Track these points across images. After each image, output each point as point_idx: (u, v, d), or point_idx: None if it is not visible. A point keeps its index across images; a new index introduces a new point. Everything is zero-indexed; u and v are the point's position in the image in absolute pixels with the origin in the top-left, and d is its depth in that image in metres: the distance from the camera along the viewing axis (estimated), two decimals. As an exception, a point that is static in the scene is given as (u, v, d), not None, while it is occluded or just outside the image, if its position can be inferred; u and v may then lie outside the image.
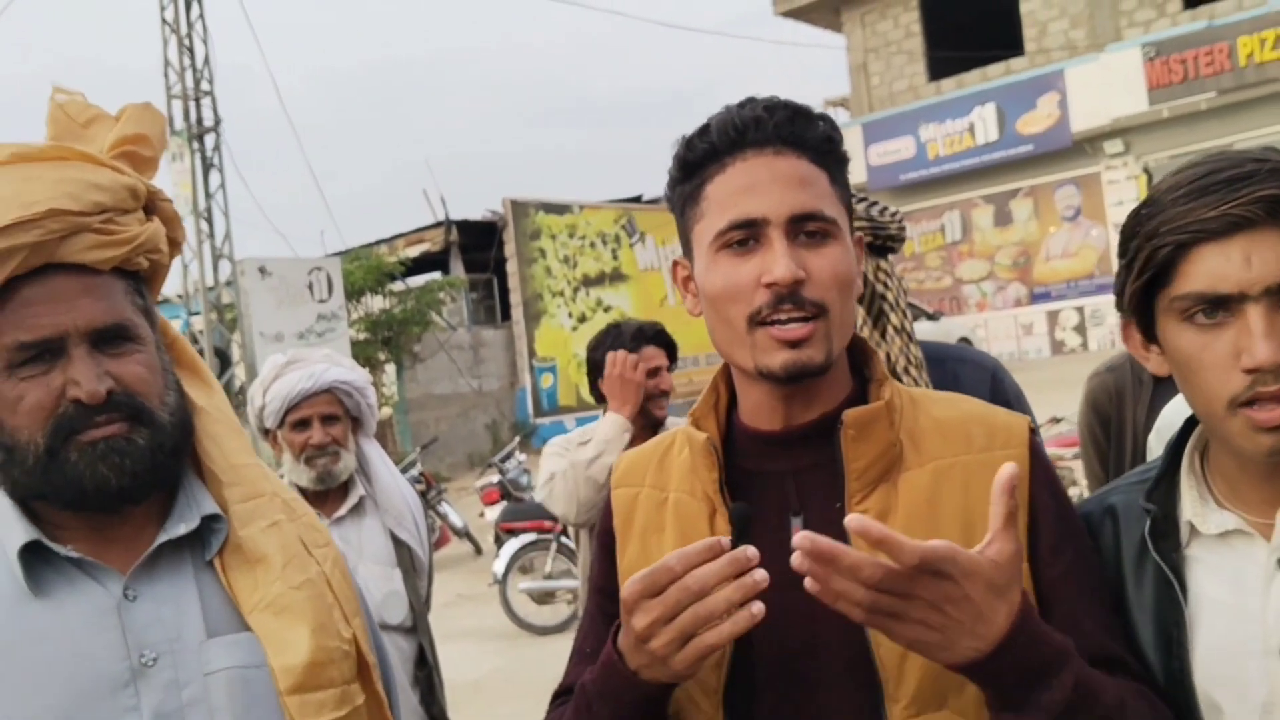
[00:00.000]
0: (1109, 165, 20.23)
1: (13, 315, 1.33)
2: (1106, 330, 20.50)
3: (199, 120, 17.34)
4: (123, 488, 1.36)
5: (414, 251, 22.65)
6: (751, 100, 1.41)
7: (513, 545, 9.26)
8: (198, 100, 17.40)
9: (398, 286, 20.44)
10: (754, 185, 1.36)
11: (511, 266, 21.46)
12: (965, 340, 19.20)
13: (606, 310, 21.04)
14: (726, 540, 1.22)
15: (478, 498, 12.27)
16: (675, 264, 1.51)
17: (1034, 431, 1.43)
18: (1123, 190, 20.07)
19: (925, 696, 1.30)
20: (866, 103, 23.88)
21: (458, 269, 22.96)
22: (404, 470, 10.51)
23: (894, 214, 2.29)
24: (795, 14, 24.37)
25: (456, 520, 12.29)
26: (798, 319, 1.33)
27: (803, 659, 1.35)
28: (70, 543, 1.38)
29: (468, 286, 23.02)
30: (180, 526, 1.41)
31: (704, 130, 1.41)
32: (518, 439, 13.56)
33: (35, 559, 1.36)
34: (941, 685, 1.30)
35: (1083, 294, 20.96)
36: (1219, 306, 1.26)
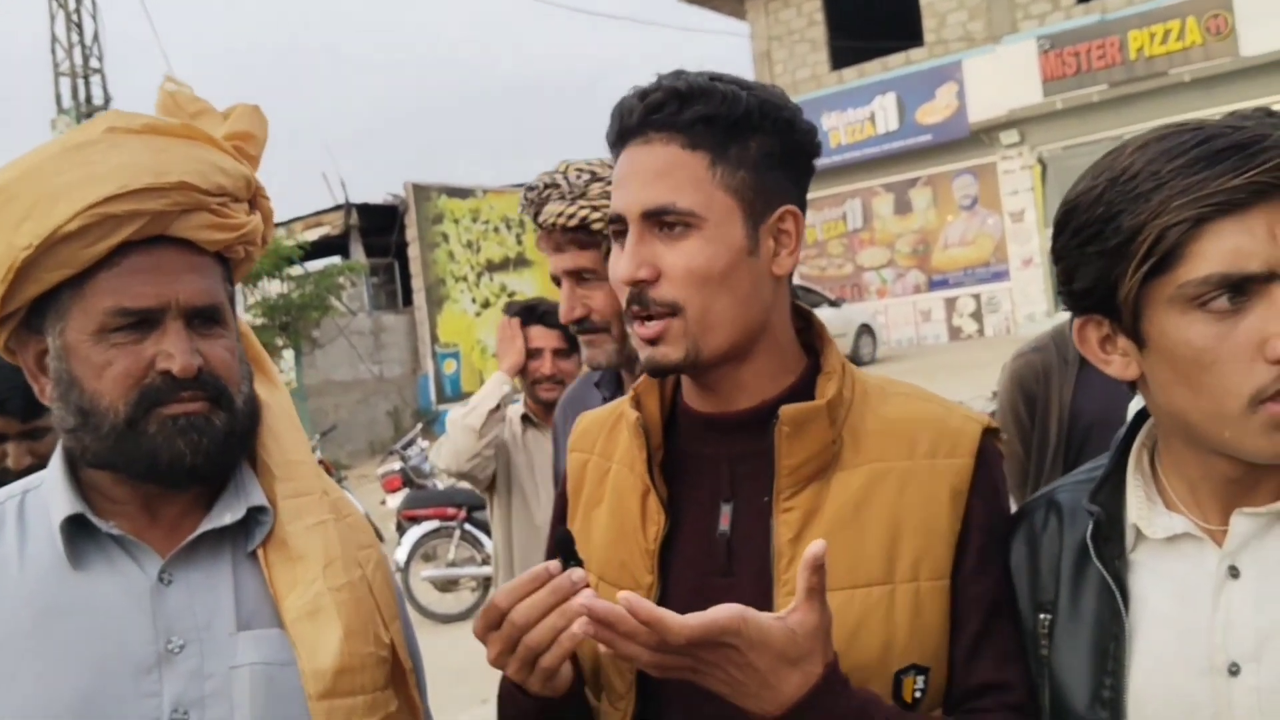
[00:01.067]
0: (1005, 155, 20.66)
1: (117, 280, 1.33)
2: (1001, 317, 20.99)
3: (88, 99, 16.80)
4: (195, 466, 1.35)
5: (312, 235, 22.22)
6: (636, 87, 1.38)
7: (415, 533, 9.21)
8: (86, 78, 16.85)
9: (296, 271, 20.06)
10: (621, 179, 1.36)
11: (413, 251, 21.23)
12: (866, 327, 19.51)
13: (510, 296, 20.93)
14: (556, 565, 1.26)
15: (379, 485, 12.11)
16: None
17: (990, 434, 1.37)
18: (1017, 180, 20.53)
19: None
20: (770, 90, 24.05)
21: (358, 253, 22.59)
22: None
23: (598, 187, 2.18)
24: (700, 0, 24.45)
25: (357, 507, 12.09)
26: (645, 318, 1.34)
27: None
28: (116, 519, 1.37)
29: (368, 271, 22.68)
30: (226, 515, 1.40)
31: (611, 118, 1.41)
32: (420, 425, 13.42)
33: (78, 532, 1.36)
34: (862, 662, 1.30)
35: (979, 281, 21.41)
36: (1240, 290, 1.10)
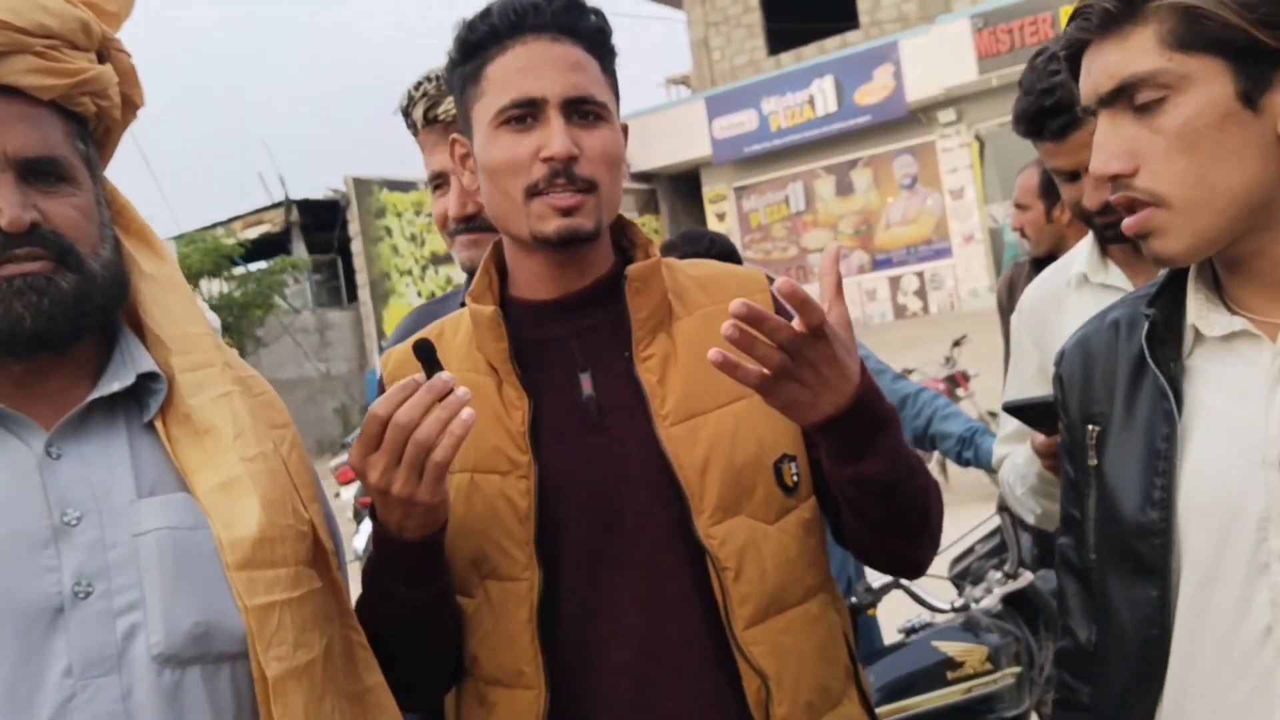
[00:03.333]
0: (943, 134, 20.86)
1: None
2: (945, 294, 21.22)
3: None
4: (38, 330, 1.26)
5: (253, 233, 21.93)
6: None
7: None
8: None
9: (238, 270, 19.82)
10: (533, 67, 1.47)
11: (356, 246, 21.03)
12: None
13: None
14: (421, 376, 1.31)
15: (333, 479, 12.04)
16: (453, 141, 1.60)
17: (771, 281, 1.57)
18: (956, 158, 20.74)
19: (725, 504, 1.47)
20: (709, 77, 24.09)
21: (300, 250, 22.31)
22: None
23: None
24: (636, -12, 24.43)
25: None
26: (570, 190, 1.45)
27: (609, 493, 1.48)
28: None
29: (311, 268, 22.44)
30: (114, 384, 1.32)
31: (485, 14, 1.50)
32: (370, 419, 13.30)
33: None
34: (738, 493, 1.48)
35: (922, 259, 21.63)
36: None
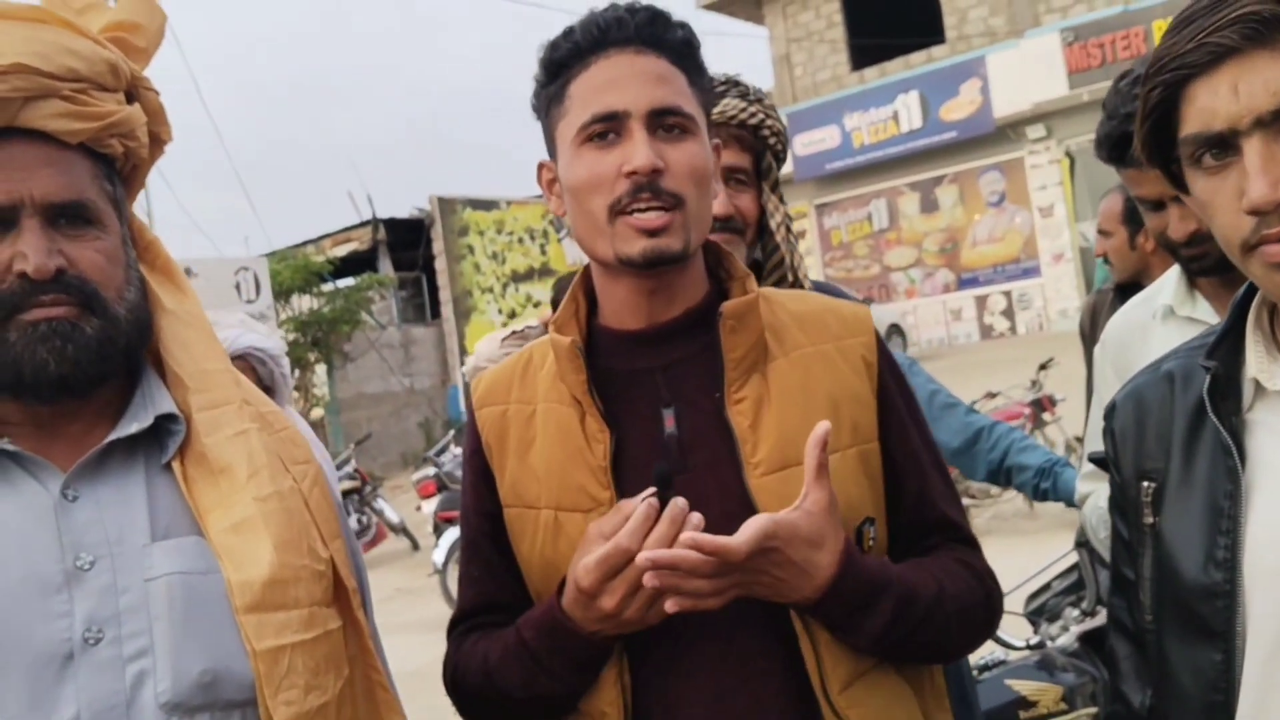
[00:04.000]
0: (1032, 150, 20.52)
1: None
2: (1034, 314, 20.83)
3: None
4: (62, 375, 1.26)
5: (341, 251, 22.37)
6: (614, 4, 1.46)
7: (452, 534, 9.20)
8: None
9: (326, 287, 20.17)
10: (616, 80, 1.41)
11: (440, 264, 21.31)
12: (895, 327, 19.41)
13: (536, 305, 20.98)
14: (655, 502, 1.31)
15: (414, 494, 12.17)
16: (540, 166, 1.54)
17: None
18: (1046, 175, 20.38)
19: None
20: (790, 93, 23.99)
21: (386, 267, 22.70)
22: (338, 468, 10.32)
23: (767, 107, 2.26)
24: (717, 7, 24.41)
25: (393, 516, 12.19)
26: (656, 208, 1.39)
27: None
28: (11, 437, 1.28)
29: (397, 284, 22.81)
30: (132, 425, 1.32)
31: (568, 31, 1.46)
32: (452, 433, 13.47)
33: None
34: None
35: (1010, 278, 21.26)
36: (1224, 146, 1.14)
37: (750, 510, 1.37)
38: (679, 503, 1.30)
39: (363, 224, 22.78)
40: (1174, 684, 1.26)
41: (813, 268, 20.30)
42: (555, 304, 3.88)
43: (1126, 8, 19.21)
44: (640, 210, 1.39)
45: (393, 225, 22.71)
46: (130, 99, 1.37)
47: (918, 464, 1.50)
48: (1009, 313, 21.32)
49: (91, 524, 1.26)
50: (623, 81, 1.41)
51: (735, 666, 1.40)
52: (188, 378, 1.37)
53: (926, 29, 22.39)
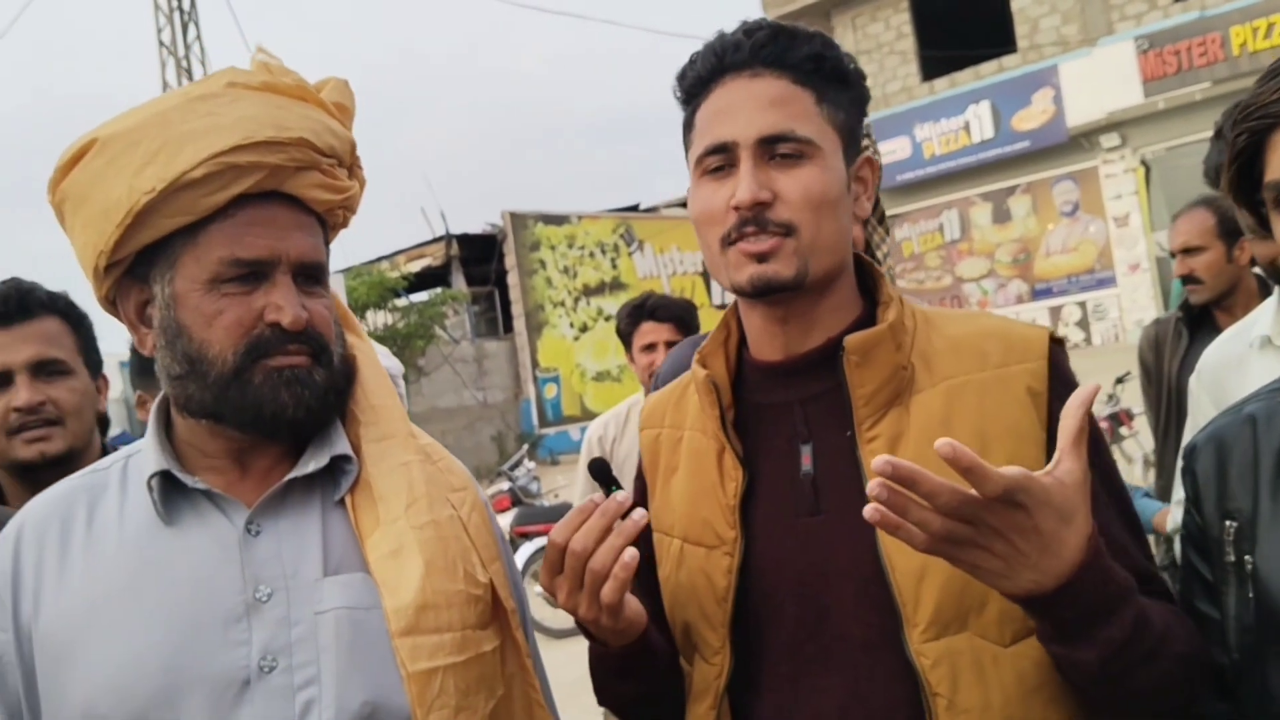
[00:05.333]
0: (1106, 159, 20.22)
1: (231, 231, 1.35)
2: (1109, 324, 20.50)
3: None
4: (296, 419, 1.38)
5: (416, 266, 22.68)
6: (741, 24, 1.42)
7: (528, 549, 9.15)
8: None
9: (401, 302, 20.45)
10: (727, 109, 1.37)
11: (512, 278, 21.48)
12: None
13: (607, 319, 21.03)
14: (599, 496, 1.29)
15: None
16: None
17: (1057, 343, 1.38)
18: (1120, 184, 20.07)
19: (945, 619, 1.27)
20: (861, 104, 23.85)
21: (459, 282, 22.98)
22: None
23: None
24: (786, 19, 24.35)
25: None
26: (763, 235, 1.34)
27: (813, 585, 1.34)
28: (206, 473, 1.40)
29: (470, 299, 23.04)
30: (310, 464, 1.41)
31: (693, 59, 1.43)
32: (526, 447, 13.56)
33: (170, 489, 1.38)
34: (963, 607, 1.27)
35: (1084, 289, 20.95)
36: None
37: (877, 565, 1.29)
38: (617, 497, 1.28)
39: (436, 240, 23.10)
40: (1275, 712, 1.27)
41: (883, 280, 20.10)
42: (619, 333, 3.89)
43: (1202, 13, 18.88)
44: (748, 239, 1.35)
45: (466, 240, 23.01)
46: (351, 174, 1.49)
47: (1100, 510, 1.27)
48: (1084, 324, 21.00)
49: (271, 558, 1.36)
50: (734, 110, 1.36)
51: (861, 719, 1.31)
52: (361, 412, 1.47)
53: (997, 39, 22.17)
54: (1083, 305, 21.00)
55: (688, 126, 1.44)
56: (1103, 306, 20.65)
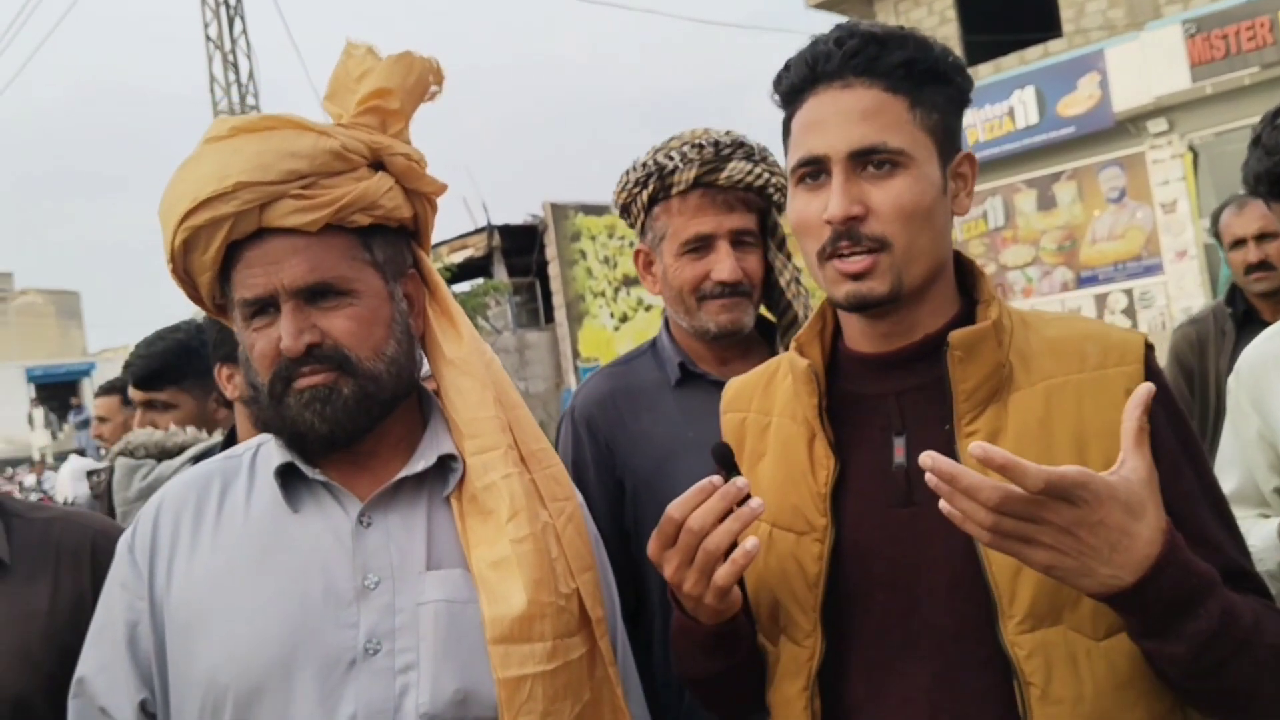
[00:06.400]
0: (1153, 145, 19.94)
1: (242, 273, 1.47)
2: (1156, 312, 20.24)
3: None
4: (326, 432, 1.47)
5: (458, 257, 22.79)
6: (839, 28, 1.43)
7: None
8: (244, 114, 17.63)
9: (443, 292, 20.53)
10: (818, 122, 1.38)
11: (553, 269, 21.55)
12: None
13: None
14: (719, 479, 1.31)
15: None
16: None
17: (1150, 348, 1.41)
18: (1168, 169, 19.79)
19: (1040, 612, 1.29)
20: (904, 91, 23.69)
21: (501, 273, 23.06)
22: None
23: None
24: (828, 6, 24.21)
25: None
26: (858, 253, 1.36)
27: (906, 575, 1.37)
28: (327, 468, 1.51)
29: (511, 290, 23.13)
30: (419, 464, 1.52)
31: (786, 67, 1.44)
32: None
33: (295, 479, 1.51)
34: (1057, 601, 1.29)
35: (1130, 276, 20.69)
36: None
37: (972, 557, 1.31)
38: (738, 482, 1.30)
39: (478, 231, 23.17)
40: None
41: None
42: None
43: (1253, -4, 18.59)
44: (843, 255, 1.37)
45: (507, 231, 23.06)
46: (380, 166, 1.51)
47: (1192, 507, 1.34)
48: (1130, 311, 20.75)
49: (380, 549, 1.47)
50: (825, 123, 1.37)
51: (950, 706, 1.34)
52: (463, 424, 1.54)
53: (1042, 23, 21.93)
54: (1129, 293, 20.74)
55: (785, 132, 1.46)
56: (1149, 294, 20.39)
